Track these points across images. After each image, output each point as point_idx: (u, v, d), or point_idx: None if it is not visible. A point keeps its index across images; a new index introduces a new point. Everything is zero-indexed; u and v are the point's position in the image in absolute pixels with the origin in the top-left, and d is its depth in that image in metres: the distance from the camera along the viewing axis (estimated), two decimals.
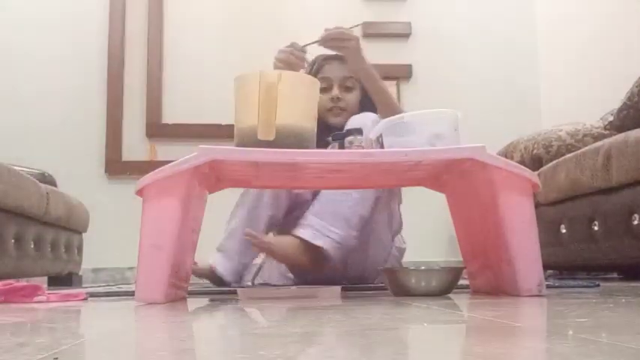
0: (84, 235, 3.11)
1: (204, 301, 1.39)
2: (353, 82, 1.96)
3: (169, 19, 3.85)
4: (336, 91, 1.95)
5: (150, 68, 3.77)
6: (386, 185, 1.70)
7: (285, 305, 1.11)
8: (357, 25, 1.84)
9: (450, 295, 1.30)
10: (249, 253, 1.83)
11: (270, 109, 1.24)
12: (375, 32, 3.77)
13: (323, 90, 1.90)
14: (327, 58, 1.97)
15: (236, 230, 1.82)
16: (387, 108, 1.81)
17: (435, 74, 3.90)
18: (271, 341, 0.61)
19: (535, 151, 2.64)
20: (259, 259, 1.89)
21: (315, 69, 1.98)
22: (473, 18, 4.01)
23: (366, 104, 1.94)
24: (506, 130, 3.35)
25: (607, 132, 2.49)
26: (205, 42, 3.83)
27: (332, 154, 1.40)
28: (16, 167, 2.28)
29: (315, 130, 1.35)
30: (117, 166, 3.66)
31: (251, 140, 1.26)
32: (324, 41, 1.72)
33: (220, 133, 3.45)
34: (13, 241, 2.27)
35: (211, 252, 1.87)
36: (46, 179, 2.81)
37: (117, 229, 3.36)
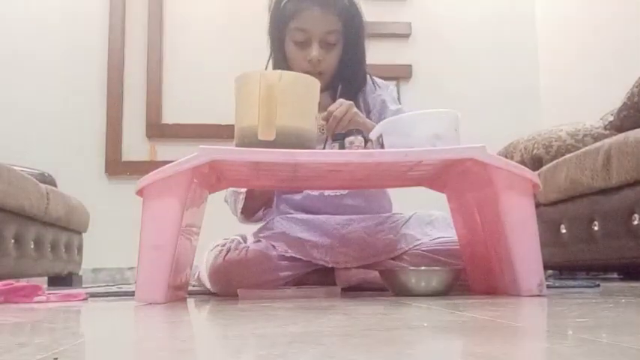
0: (84, 235, 3.11)
1: (204, 301, 1.39)
2: (337, 35, 1.62)
3: (169, 19, 3.85)
4: (315, 51, 1.60)
5: (150, 68, 3.78)
6: (386, 185, 1.70)
7: (285, 305, 1.11)
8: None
9: (450, 295, 1.30)
10: None
11: (271, 109, 1.24)
12: (375, 32, 3.77)
13: (299, 44, 1.62)
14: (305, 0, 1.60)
15: None
16: None
17: (435, 74, 3.90)
18: (271, 341, 0.61)
19: (535, 151, 2.64)
20: None
21: (290, 10, 1.60)
22: (473, 18, 4.01)
23: (348, 60, 1.67)
24: (506, 130, 3.35)
25: (607, 132, 2.49)
26: (205, 42, 3.83)
27: (332, 154, 1.39)
28: (16, 167, 2.29)
29: (316, 130, 1.35)
30: (117, 166, 3.66)
31: (251, 140, 1.26)
32: (333, 134, 1.51)
33: (220, 133, 3.45)
34: (13, 241, 2.27)
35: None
36: (46, 179, 2.81)
37: (117, 229, 3.36)
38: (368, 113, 1.74)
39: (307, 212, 1.70)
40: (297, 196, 1.72)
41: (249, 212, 1.71)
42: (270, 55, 1.74)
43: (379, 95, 1.76)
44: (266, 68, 1.73)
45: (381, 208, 1.77)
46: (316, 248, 1.59)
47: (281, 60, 1.69)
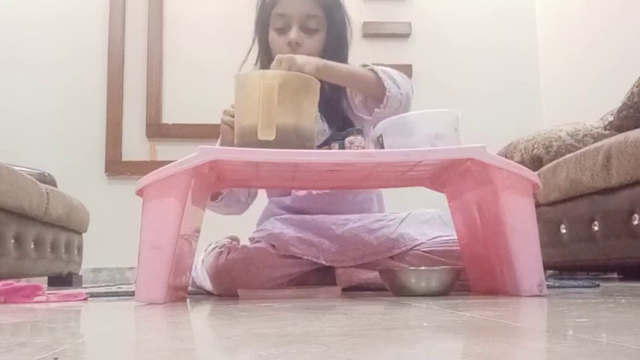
0: (84, 235, 3.11)
1: (204, 301, 1.39)
2: (318, 21, 1.59)
3: (169, 19, 3.85)
4: (294, 34, 1.56)
5: (150, 68, 3.78)
6: (386, 185, 1.70)
7: (285, 305, 1.11)
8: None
9: (450, 295, 1.30)
10: None
11: (271, 109, 1.24)
12: (375, 32, 3.77)
13: (279, 30, 1.60)
14: None
15: None
16: (363, 90, 1.55)
17: (434, 74, 3.90)
18: (271, 341, 0.61)
19: (535, 151, 2.64)
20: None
21: (270, 1, 1.62)
22: (473, 18, 4.01)
23: (331, 52, 1.60)
24: (506, 130, 3.36)
25: (607, 132, 2.49)
26: (205, 42, 3.83)
27: (332, 154, 1.39)
28: (16, 167, 2.29)
29: (315, 130, 1.35)
30: (117, 166, 3.66)
31: (251, 140, 1.26)
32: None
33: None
34: (13, 241, 2.27)
35: None
36: (46, 179, 2.81)
37: (117, 229, 3.37)
38: (352, 112, 1.71)
39: (299, 213, 1.70)
40: (287, 200, 1.72)
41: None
42: (250, 49, 1.70)
43: None
44: (244, 62, 1.69)
45: (371, 202, 1.77)
46: (314, 247, 1.59)
47: (264, 51, 1.67)
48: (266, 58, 1.66)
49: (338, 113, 1.66)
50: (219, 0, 3.88)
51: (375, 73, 1.52)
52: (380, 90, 1.51)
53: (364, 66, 1.56)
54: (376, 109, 1.53)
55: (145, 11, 3.83)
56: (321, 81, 1.63)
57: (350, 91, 1.64)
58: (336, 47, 1.63)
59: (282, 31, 1.60)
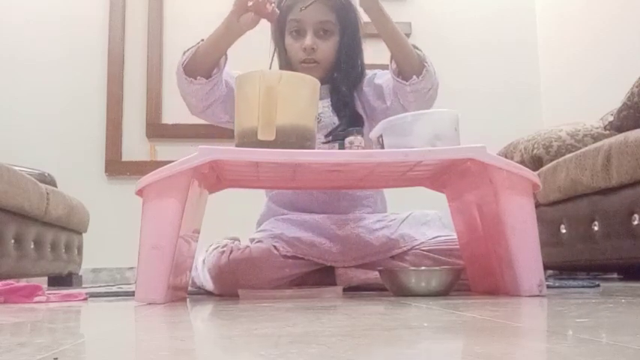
0: (84, 235, 3.11)
1: (204, 301, 1.39)
2: (331, 26, 1.67)
3: (169, 19, 3.85)
4: (309, 40, 1.64)
5: (150, 68, 3.77)
6: (386, 185, 1.70)
7: (285, 305, 1.11)
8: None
9: (450, 295, 1.30)
10: None
11: (271, 109, 1.24)
12: (375, 32, 3.76)
13: (295, 33, 1.67)
14: None
15: None
16: (404, 55, 1.57)
17: None
18: (272, 341, 0.61)
19: (535, 151, 2.64)
20: None
21: (287, 5, 1.66)
22: (473, 18, 4.01)
23: (345, 54, 1.70)
24: (506, 130, 3.35)
25: (607, 132, 2.49)
26: None
27: (332, 154, 1.40)
28: (16, 167, 2.28)
29: (316, 130, 1.35)
30: (117, 166, 3.66)
31: (251, 140, 1.26)
32: None
33: (220, 133, 3.43)
34: (13, 241, 2.27)
35: None
36: (46, 179, 2.81)
37: (117, 229, 3.36)
38: (363, 108, 1.74)
39: (299, 209, 1.71)
40: (288, 195, 1.72)
41: (196, 67, 1.63)
42: (274, 53, 1.76)
43: (370, 78, 1.77)
44: (271, 66, 1.76)
45: (372, 198, 1.77)
46: (315, 247, 1.59)
47: (282, 54, 1.73)
48: (284, 63, 1.73)
49: (350, 108, 1.70)
50: (219, 0, 3.88)
51: (417, 50, 1.59)
52: (417, 64, 1.55)
53: None
54: (415, 76, 1.55)
55: (145, 11, 3.82)
56: (337, 77, 1.65)
57: (390, 57, 1.65)
58: (350, 49, 1.70)
59: (298, 35, 1.67)
